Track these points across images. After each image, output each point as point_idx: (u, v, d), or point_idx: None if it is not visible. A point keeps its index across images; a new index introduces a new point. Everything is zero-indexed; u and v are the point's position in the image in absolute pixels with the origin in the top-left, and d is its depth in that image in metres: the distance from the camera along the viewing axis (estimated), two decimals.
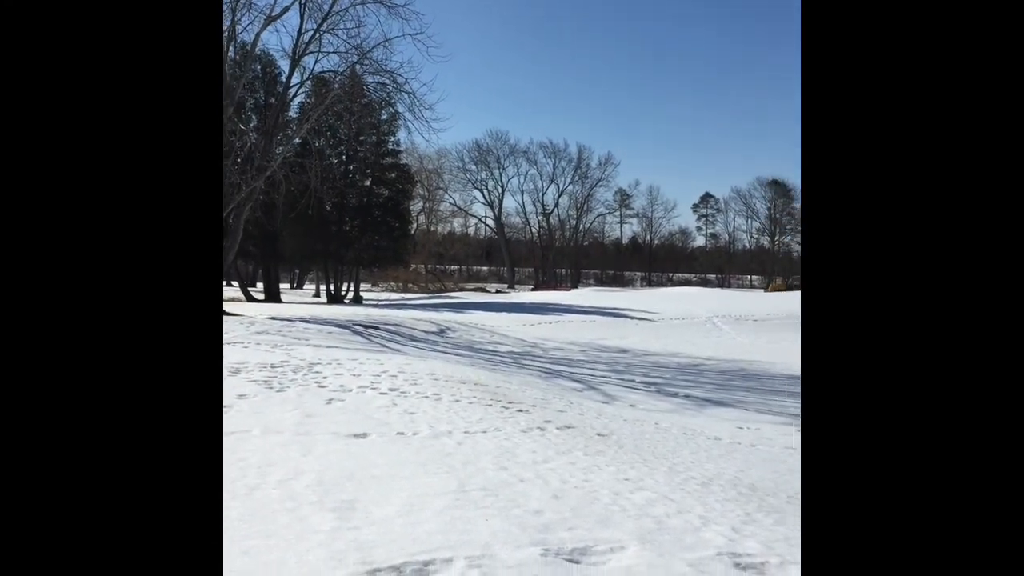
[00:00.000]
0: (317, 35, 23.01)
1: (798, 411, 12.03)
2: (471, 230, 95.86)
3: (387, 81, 24.15)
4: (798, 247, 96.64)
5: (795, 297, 43.40)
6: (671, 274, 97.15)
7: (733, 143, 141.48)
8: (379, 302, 42.73)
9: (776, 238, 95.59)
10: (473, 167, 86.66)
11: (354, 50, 23.20)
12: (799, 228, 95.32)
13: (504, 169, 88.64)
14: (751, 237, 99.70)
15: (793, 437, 9.72)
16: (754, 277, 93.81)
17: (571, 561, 3.82)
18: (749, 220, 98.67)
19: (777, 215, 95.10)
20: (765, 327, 29.69)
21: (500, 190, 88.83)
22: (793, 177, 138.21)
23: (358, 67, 23.97)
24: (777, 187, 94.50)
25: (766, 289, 67.11)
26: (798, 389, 14.93)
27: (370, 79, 24.82)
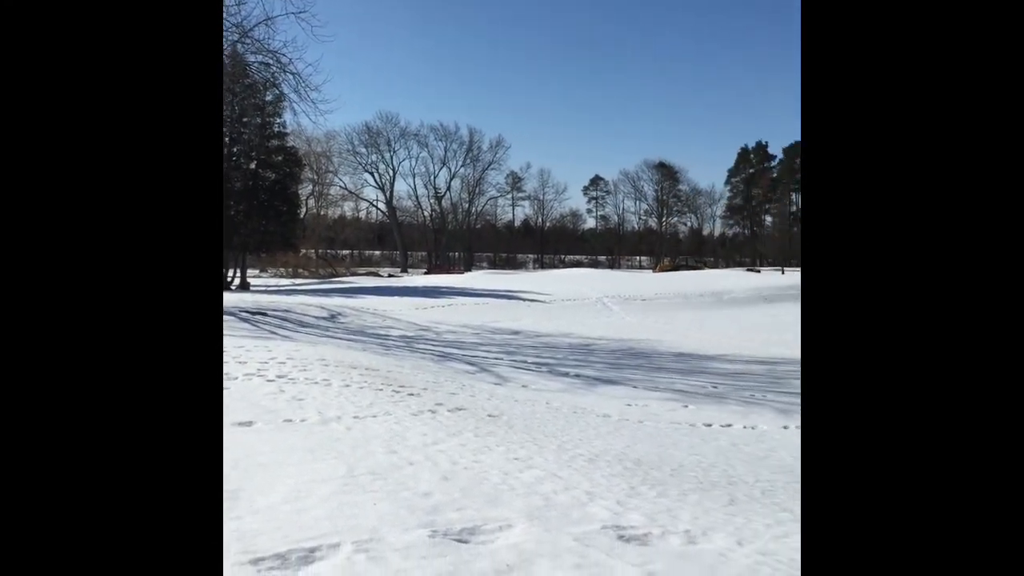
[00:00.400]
0: None
1: (684, 387, 12.38)
2: (362, 214, 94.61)
3: (270, 61, 23.42)
4: (684, 228, 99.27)
5: (682, 277, 44.57)
6: (563, 256, 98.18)
7: (621, 126, 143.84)
8: (267, 288, 41.79)
9: (663, 219, 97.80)
10: (363, 150, 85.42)
11: (234, 28, 22.45)
12: (685, 209, 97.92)
13: (395, 152, 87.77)
14: (640, 218, 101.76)
15: (679, 413, 9.99)
16: (643, 258, 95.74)
17: (459, 541, 3.84)
18: (637, 202, 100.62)
19: (664, 197, 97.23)
20: (653, 306, 30.42)
21: (391, 173, 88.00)
22: (678, 159, 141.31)
23: (239, 46, 23.22)
24: (664, 169, 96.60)
25: (654, 269, 68.60)
26: (684, 366, 15.37)
27: (252, 59, 24.07)
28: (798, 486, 5.84)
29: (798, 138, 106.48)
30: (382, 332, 19.55)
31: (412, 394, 8.99)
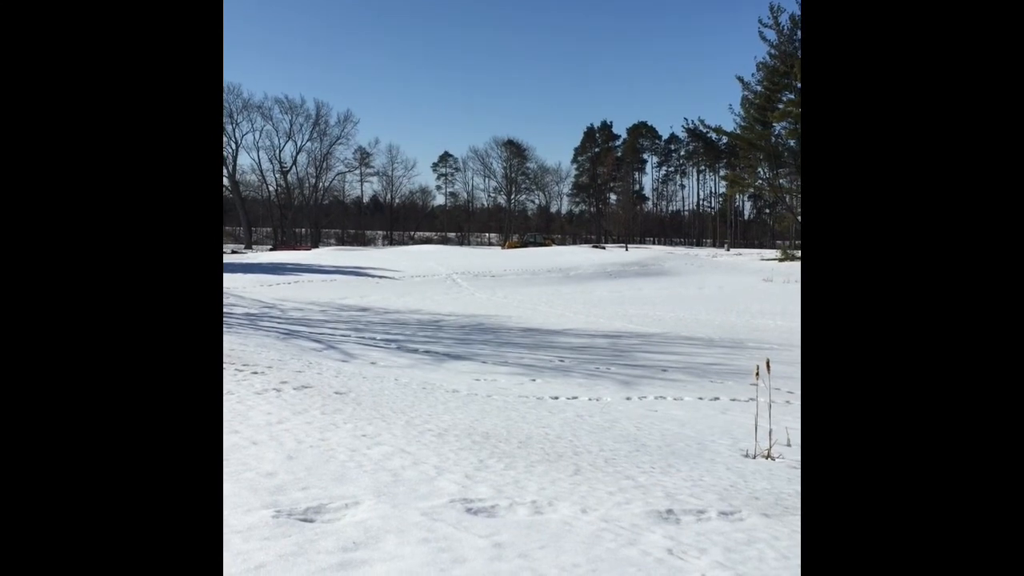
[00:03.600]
0: None
1: (532, 361, 12.56)
2: None
3: None
4: (533, 205, 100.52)
5: (530, 253, 45.20)
6: (413, 232, 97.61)
7: (470, 103, 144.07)
8: None
9: (512, 196, 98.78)
10: None
11: None
12: (533, 187, 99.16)
13: (237, 124, 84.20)
14: (489, 196, 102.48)
15: (527, 386, 10.15)
16: (492, 235, 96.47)
17: (304, 520, 3.76)
18: (486, 179, 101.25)
19: (513, 174, 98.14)
20: (502, 282, 30.73)
21: (234, 146, 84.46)
22: (526, 137, 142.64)
23: None
24: (512, 147, 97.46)
25: (503, 246, 69.25)
26: (532, 341, 15.61)
27: None
28: (639, 455, 6.05)
29: (641, 118, 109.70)
30: (225, 310, 18.88)
31: (256, 372, 8.73)
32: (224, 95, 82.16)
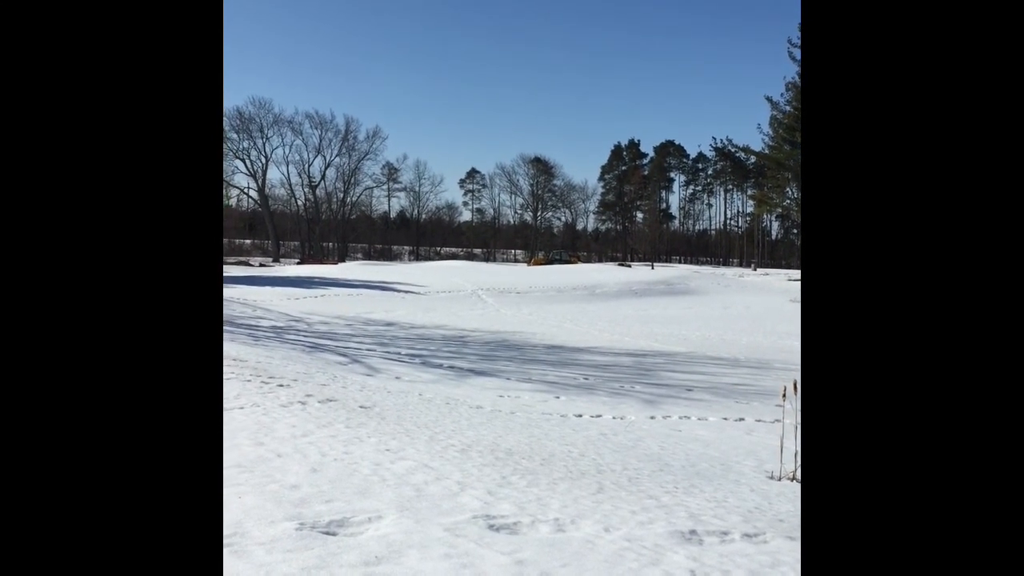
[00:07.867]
0: None
1: (556, 379, 12.55)
2: (233, 202, 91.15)
3: None
4: (559, 222, 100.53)
5: (556, 270, 45.15)
6: (439, 248, 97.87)
7: (497, 120, 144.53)
8: None
9: (538, 213, 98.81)
10: (235, 136, 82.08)
11: None
12: (559, 204, 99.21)
13: (268, 139, 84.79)
14: (515, 212, 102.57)
15: (551, 404, 10.13)
16: (518, 251, 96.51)
17: (327, 533, 3.78)
18: (513, 196, 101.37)
19: (539, 191, 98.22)
20: (527, 299, 30.72)
21: (264, 160, 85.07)
22: (553, 155, 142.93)
23: None
24: (539, 164, 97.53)
25: (529, 263, 69.23)
26: (556, 358, 15.59)
27: None
28: (663, 474, 6.02)
29: (669, 136, 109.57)
30: (252, 323, 19.03)
31: (282, 385, 8.79)
32: (255, 110, 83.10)
